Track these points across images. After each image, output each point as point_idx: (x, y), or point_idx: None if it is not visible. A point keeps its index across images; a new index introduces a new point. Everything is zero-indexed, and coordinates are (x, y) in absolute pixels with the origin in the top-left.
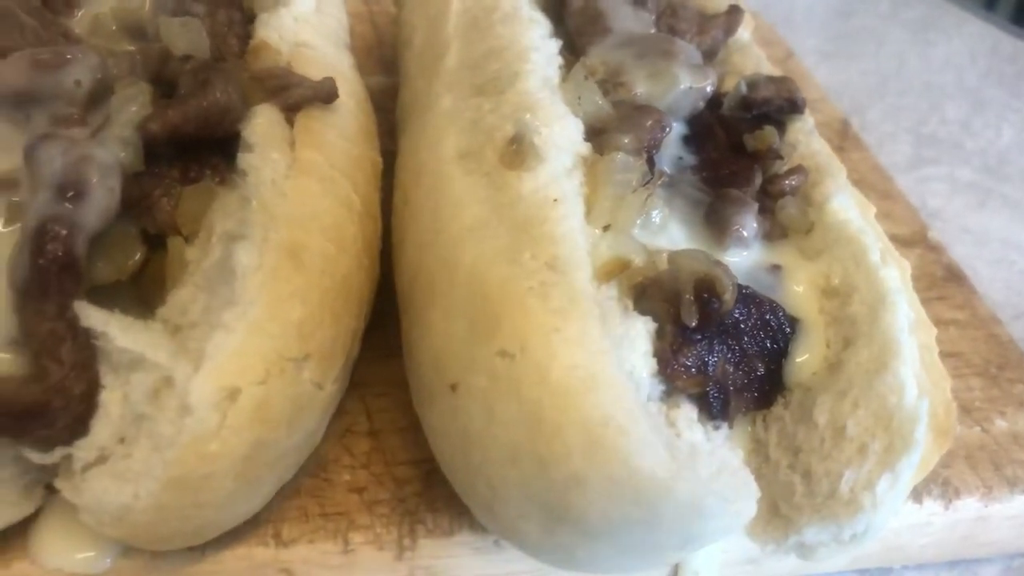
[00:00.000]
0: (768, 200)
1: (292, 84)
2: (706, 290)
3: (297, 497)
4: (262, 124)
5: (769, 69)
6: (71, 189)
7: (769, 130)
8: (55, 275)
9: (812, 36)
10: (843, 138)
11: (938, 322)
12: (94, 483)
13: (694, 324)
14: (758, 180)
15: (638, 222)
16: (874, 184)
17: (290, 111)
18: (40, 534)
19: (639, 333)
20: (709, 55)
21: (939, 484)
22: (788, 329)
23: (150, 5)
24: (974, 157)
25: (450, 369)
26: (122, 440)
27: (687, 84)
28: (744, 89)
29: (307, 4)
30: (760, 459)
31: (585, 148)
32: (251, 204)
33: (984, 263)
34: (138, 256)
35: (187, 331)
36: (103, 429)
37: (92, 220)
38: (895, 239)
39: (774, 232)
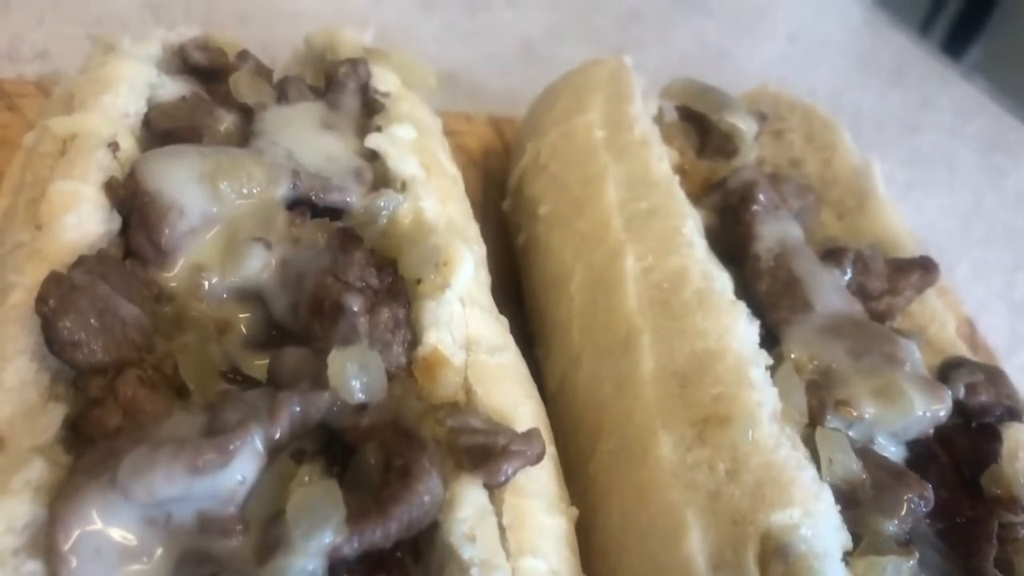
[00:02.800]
0: (1005, 549)
1: (498, 451)
2: None
3: None
4: (470, 518)
5: (942, 317)
6: None
7: (1009, 471)
8: None
9: (886, 159)
10: (973, 350)
11: None
12: None
13: None
14: (995, 532)
15: None
16: None
17: (495, 487)
18: None
19: None
20: (893, 312)
21: None
22: None
23: (277, 272)
24: None
25: None
26: None
27: (923, 409)
28: (962, 394)
29: (467, 269)
30: None
31: (847, 539)
32: None
33: None
34: None
35: None
36: None
37: None
38: None
39: None
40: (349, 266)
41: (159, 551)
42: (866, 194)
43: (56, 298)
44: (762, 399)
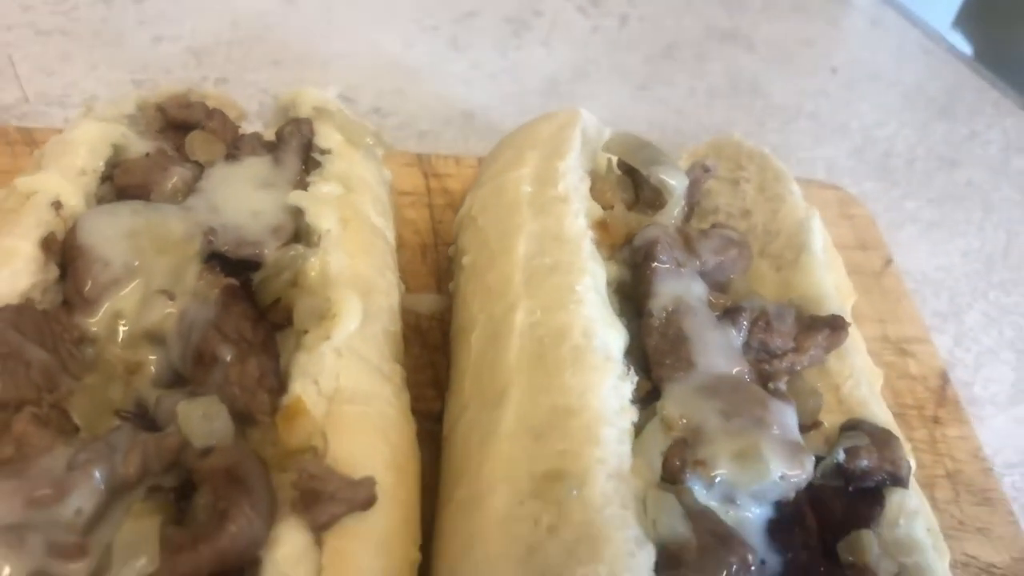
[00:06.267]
0: None
1: (325, 495)
2: None
3: None
4: (287, 558)
5: (867, 378)
6: None
7: (866, 539)
8: None
9: (912, 195)
10: (940, 403)
11: None
12: None
13: None
14: None
15: None
16: (971, 480)
17: (321, 529)
18: None
19: None
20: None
21: None
22: None
23: (176, 321)
24: None
25: None
26: None
27: (780, 473)
28: (841, 457)
29: (351, 322)
30: None
31: None
32: None
33: None
34: None
35: None
36: None
37: None
38: (990, 572)
39: None
40: (227, 319)
41: (7, 570)
42: (802, 248)
43: None
44: (604, 457)
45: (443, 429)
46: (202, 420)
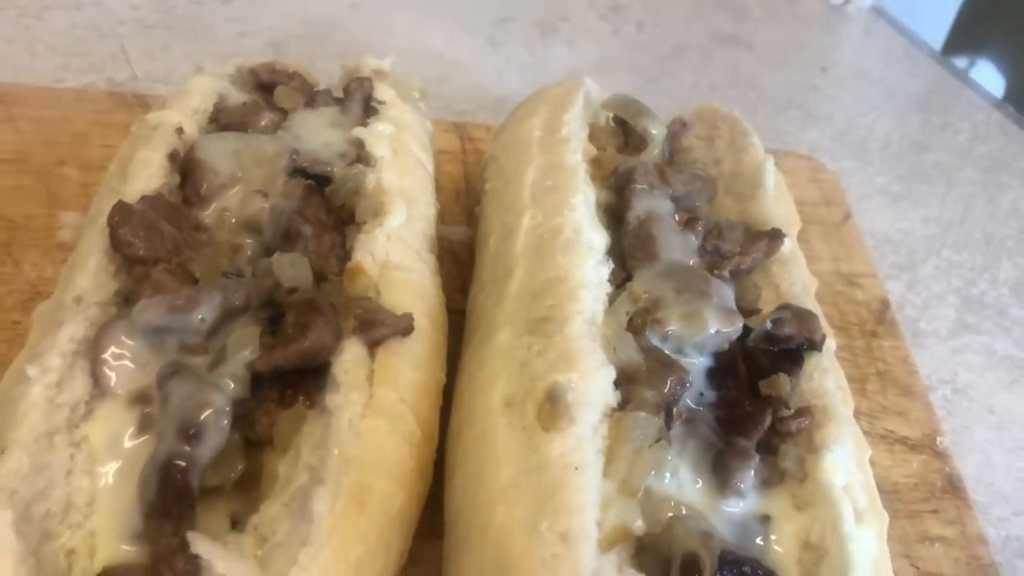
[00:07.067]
0: (774, 438)
1: (376, 321)
2: (692, 565)
3: None
4: (348, 362)
5: (803, 282)
6: (192, 428)
7: (782, 379)
8: (174, 502)
9: (884, 172)
10: (879, 321)
11: (925, 538)
12: None
13: None
14: (767, 422)
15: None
16: (897, 379)
17: (373, 346)
18: None
19: None
20: (749, 271)
21: None
22: None
23: (269, 213)
24: (1017, 328)
25: None
26: None
27: (715, 328)
28: (769, 326)
29: (399, 218)
30: None
31: (614, 398)
32: (331, 449)
33: (1001, 450)
34: (240, 467)
35: (272, 549)
36: None
37: (206, 455)
38: (904, 442)
39: (772, 478)
40: (307, 208)
41: (155, 360)
42: (758, 185)
43: (119, 215)
44: (582, 309)
45: (466, 307)
46: (290, 266)
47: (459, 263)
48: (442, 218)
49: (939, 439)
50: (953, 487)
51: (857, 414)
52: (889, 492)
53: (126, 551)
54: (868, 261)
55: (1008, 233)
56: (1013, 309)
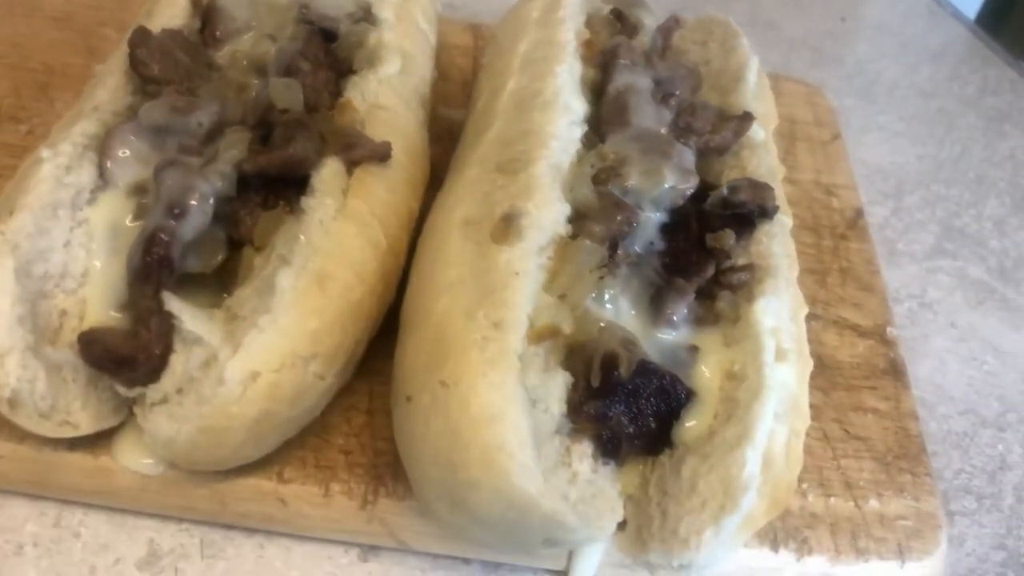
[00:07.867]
0: (715, 288)
1: (357, 144)
2: (611, 362)
3: (300, 450)
4: (326, 174)
5: (770, 167)
6: (177, 207)
7: (727, 233)
8: (155, 269)
9: (886, 112)
10: (851, 227)
11: (859, 408)
12: (155, 417)
13: (596, 385)
14: (710, 272)
15: (592, 296)
16: (859, 276)
17: (352, 165)
18: (120, 440)
19: (558, 384)
20: (719, 151)
21: (798, 540)
22: (683, 398)
23: (275, 54)
24: (993, 257)
25: (409, 385)
26: (179, 391)
27: (671, 184)
28: (725, 192)
29: (392, 68)
30: (641, 493)
31: (565, 229)
32: (300, 238)
33: (957, 359)
34: (220, 256)
35: (238, 322)
36: (168, 381)
37: (188, 232)
38: (855, 328)
39: (707, 318)
40: (309, 48)
41: (155, 157)
42: (740, 80)
43: (139, 38)
44: (549, 155)
45: (452, 158)
46: (285, 89)
47: (455, 141)
48: (446, 101)
49: (889, 329)
50: (895, 370)
51: (813, 301)
52: (832, 368)
53: (113, 317)
54: (849, 175)
55: (1001, 175)
56: (993, 241)
